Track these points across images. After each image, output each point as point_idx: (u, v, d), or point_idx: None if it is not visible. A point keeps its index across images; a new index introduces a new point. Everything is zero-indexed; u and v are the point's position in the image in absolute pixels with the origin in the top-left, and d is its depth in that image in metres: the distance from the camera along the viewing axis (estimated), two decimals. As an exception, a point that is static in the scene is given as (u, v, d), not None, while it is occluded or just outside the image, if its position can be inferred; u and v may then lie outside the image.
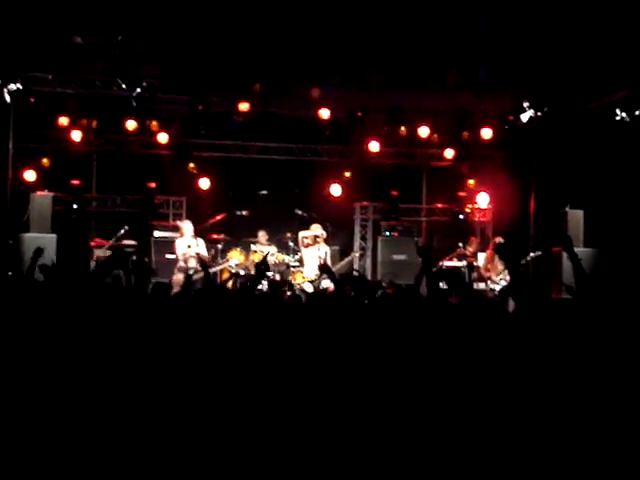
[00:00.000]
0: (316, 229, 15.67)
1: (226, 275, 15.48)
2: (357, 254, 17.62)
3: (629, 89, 14.19)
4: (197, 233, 15.29)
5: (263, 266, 6.71)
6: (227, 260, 15.42)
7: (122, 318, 5.04)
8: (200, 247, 15.03)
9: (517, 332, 4.90)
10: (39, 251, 7.11)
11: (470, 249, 16.30)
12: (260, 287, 15.08)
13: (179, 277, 13.89)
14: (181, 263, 14.81)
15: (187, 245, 14.91)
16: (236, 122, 15.92)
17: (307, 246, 15.66)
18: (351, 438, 4.08)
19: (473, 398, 4.37)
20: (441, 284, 6.16)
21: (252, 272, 15.44)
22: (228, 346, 4.55)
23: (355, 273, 14.06)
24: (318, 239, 15.61)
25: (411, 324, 5.16)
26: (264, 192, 17.20)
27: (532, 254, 15.56)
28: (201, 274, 14.41)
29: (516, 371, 4.52)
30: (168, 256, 15.60)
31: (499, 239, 15.48)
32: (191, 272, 14.16)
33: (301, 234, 15.78)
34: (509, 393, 4.39)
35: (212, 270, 14.79)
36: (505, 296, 8.88)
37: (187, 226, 15.21)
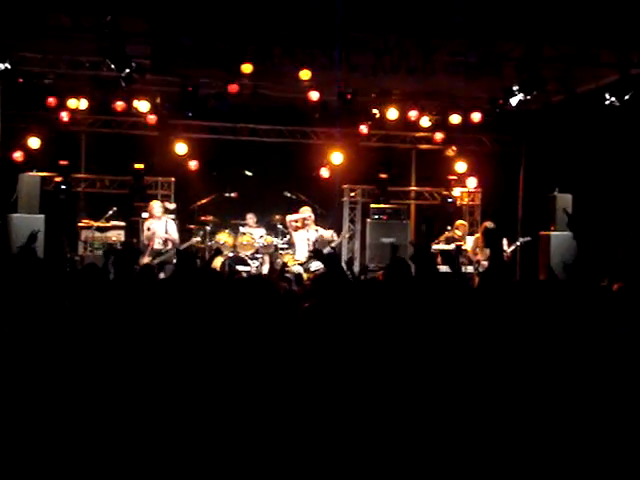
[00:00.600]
0: (305, 212, 15.69)
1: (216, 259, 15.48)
2: (346, 235, 17.60)
3: (618, 73, 14.20)
4: (186, 215, 15.30)
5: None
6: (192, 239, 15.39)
7: (109, 304, 5.05)
8: (169, 227, 15.00)
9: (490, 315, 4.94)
10: (33, 236, 7.07)
11: (458, 233, 16.33)
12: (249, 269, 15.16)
13: (143, 260, 13.89)
14: (145, 243, 14.84)
15: (147, 227, 14.91)
16: (226, 103, 15.88)
17: (296, 229, 15.67)
18: (348, 424, 4.09)
19: (460, 381, 4.39)
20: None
21: (240, 254, 15.47)
22: (219, 333, 4.54)
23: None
24: (307, 222, 15.62)
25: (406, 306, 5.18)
26: (249, 173, 17.16)
27: (522, 239, 15.62)
28: (163, 257, 14.51)
29: (501, 356, 4.54)
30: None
31: (489, 223, 15.53)
32: (149, 254, 14.23)
33: (288, 218, 15.79)
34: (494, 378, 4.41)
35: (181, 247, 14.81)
36: (485, 280, 8.92)
37: (152, 206, 15.13)
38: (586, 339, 4.53)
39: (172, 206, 16.40)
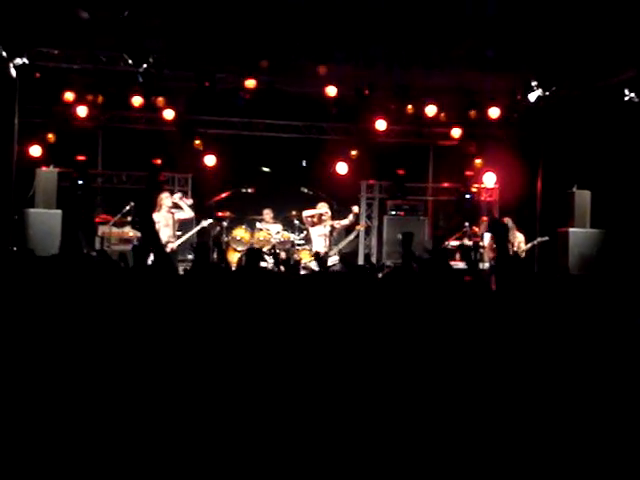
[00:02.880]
0: (322, 207, 15.65)
1: (232, 255, 15.45)
2: (362, 229, 17.52)
3: (637, 68, 14.10)
4: (202, 210, 15.29)
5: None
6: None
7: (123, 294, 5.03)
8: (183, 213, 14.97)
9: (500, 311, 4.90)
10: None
11: (477, 229, 16.27)
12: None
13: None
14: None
15: (157, 220, 14.86)
16: (243, 99, 15.86)
17: (313, 225, 15.64)
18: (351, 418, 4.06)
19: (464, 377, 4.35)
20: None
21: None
22: (226, 325, 4.52)
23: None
24: (323, 217, 15.59)
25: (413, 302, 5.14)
26: (266, 169, 17.15)
27: (539, 238, 15.53)
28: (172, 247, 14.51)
29: (505, 353, 4.50)
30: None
31: (507, 219, 15.47)
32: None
33: (305, 213, 15.75)
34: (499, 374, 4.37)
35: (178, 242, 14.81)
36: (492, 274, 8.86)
37: (161, 198, 14.99)
38: (602, 334, 4.48)
39: (189, 202, 16.39)
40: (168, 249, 14.20)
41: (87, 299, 4.86)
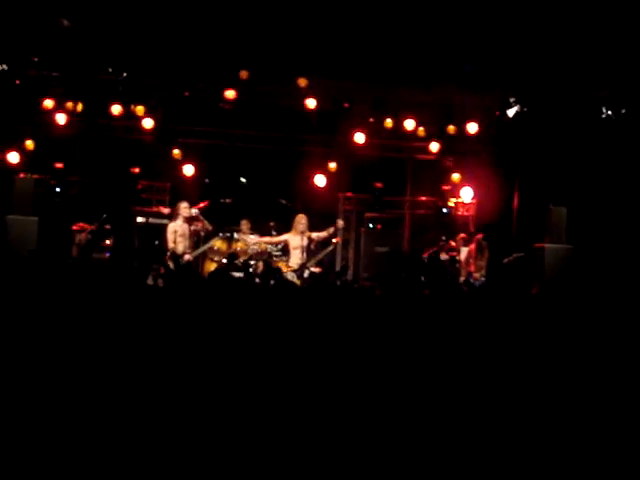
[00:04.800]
0: (300, 219, 15.63)
1: (209, 265, 15.46)
2: (339, 242, 17.53)
3: (610, 89, 14.24)
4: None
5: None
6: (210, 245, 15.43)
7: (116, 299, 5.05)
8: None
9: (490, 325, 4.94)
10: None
11: (453, 244, 16.34)
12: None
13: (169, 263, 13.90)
14: (171, 246, 14.72)
15: (174, 230, 14.86)
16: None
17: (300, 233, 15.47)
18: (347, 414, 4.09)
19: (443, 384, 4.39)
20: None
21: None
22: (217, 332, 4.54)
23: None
24: (302, 227, 15.54)
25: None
26: (243, 180, 17.16)
27: (515, 254, 15.61)
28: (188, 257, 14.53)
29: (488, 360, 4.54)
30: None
31: (482, 236, 15.64)
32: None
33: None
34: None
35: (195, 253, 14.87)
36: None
37: (180, 207, 15.06)
38: (589, 346, 4.54)
39: (167, 211, 16.39)
40: (185, 259, 14.26)
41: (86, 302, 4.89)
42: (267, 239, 15.77)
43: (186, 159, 16.93)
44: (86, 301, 5.17)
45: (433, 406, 4.27)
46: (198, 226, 15.26)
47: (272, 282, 9.52)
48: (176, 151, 16.79)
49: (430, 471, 3.99)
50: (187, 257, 14.44)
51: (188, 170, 16.95)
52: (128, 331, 4.77)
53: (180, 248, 14.64)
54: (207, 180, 17.13)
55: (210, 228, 15.33)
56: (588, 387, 4.32)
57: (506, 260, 15.53)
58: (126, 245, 14.77)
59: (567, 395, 4.27)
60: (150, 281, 14.51)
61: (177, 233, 14.68)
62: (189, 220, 14.94)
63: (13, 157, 15.72)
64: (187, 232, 14.88)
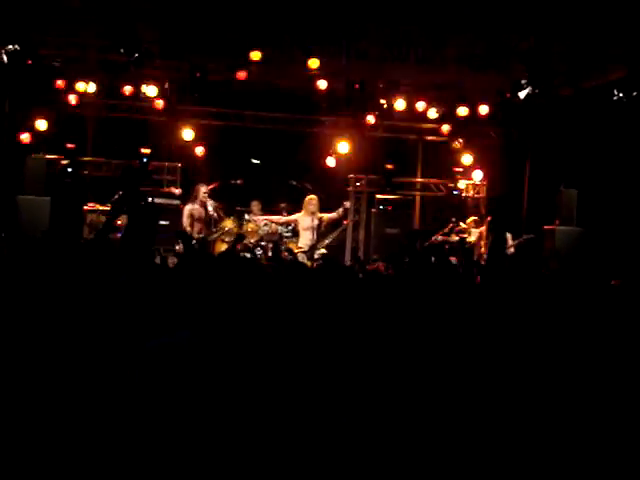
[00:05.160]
0: (311, 199, 15.65)
1: (220, 246, 15.50)
2: (351, 224, 17.58)
3: (627, 68, 14.17)
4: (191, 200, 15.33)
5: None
6: (222, 229, 15.45)
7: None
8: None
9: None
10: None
11: (464, 225, 16.34)
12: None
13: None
14: (187, 229, 14.77)
15: (190, 213, 14.90)
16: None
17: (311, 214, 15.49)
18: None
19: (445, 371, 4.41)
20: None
21: (246, 241, 15.47)
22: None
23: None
24: (313, 208, 15.55)
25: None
26: (256, 161, 17.18)
27: (525, 235, 15.62)
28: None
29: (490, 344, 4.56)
30: (161, 222, 15.62)
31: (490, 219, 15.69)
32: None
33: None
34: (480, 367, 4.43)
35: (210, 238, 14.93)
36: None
37: (199, 190, 15.10)
38: (587, 333, 4.55)
39: (178, 191, 16.44)
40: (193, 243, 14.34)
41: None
42: (277, 218, 15.80)
43: (196, 140, 16.95)
44: (98, 282, 5.20)
45: (439, 395, 4.29)
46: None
47: (283, 262, 9.54)
48: (187, 131, 16.79)
49: (440, 460, 4.03)
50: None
51: (198, 151, 17.00)
52: (132, 312, 4.80)
53: (195, 231, 14.72)
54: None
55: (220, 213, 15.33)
56: (595, 374, 4.34)
57: (516, 241, 15.55)
58: (141, 225, 14.75)
59: (572, 385, 4.29)
60: (158, 261, 14.60)
61: (194, 217, 14.74)
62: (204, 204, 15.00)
63: (25, 137, 15.77)
64: (203, 215, 14.93)
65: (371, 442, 4.01)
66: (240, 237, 11.98)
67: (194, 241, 14.19)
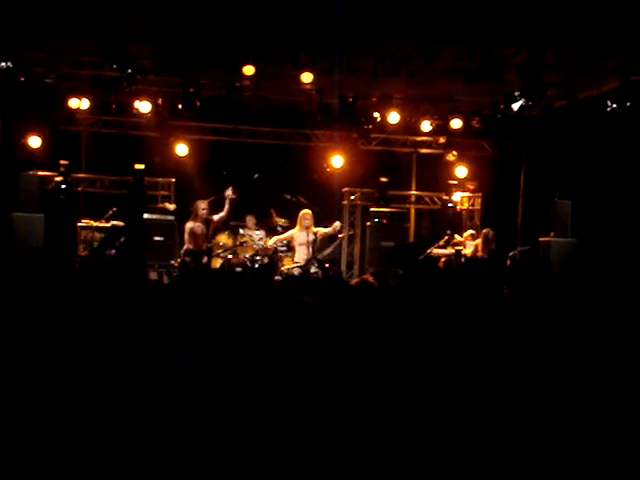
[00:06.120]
0: (305, 214, 15.62)
1: (215, 261, 15.49)
2: (345, 237, 17.56)
3: (620, 79, 14.19)
4: (185, 216, 15.30)
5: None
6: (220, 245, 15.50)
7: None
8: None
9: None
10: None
11: (460, 238, 16.34)
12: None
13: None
14: (189, 247, 14.75)
15: (191, 230, 14.86)
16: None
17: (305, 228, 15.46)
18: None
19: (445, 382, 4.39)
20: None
21: (241, 256, 15.45)
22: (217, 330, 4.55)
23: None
24: (307, 223, 15.50)
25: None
26: (257, 175, 17.21)
27: (520, 248, 15.62)
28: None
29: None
30: (156, 238, 15.61)
31: (488, 230, 15.69)
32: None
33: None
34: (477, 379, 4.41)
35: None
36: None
37: (199, 206, 15.05)
38: (586, 341, 4.54)
39: (172, 207, 16.41)
40: (204, 259, 14.35)
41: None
42: (274, 238, 15.71)
43: (190, 155, 16.94)
44: (93, 299, 5.19)
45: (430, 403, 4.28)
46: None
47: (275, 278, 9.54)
48: (180, 147, 16.76)
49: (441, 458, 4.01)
50: (205, 257, 14.56)
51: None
52: (132, 328, 4.79)
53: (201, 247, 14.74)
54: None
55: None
56: (591, 380, 4.33)
57: (511, 254, 15.55)
58: (137, 242, 14.75)
59: (568, 390, 4.28)
60: (154, 277, 14.61)
61: (196, 234, 14.71)
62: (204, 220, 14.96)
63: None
64: (204, 232, 14.88)
65: (366, 453, 4.00)
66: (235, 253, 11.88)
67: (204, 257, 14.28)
